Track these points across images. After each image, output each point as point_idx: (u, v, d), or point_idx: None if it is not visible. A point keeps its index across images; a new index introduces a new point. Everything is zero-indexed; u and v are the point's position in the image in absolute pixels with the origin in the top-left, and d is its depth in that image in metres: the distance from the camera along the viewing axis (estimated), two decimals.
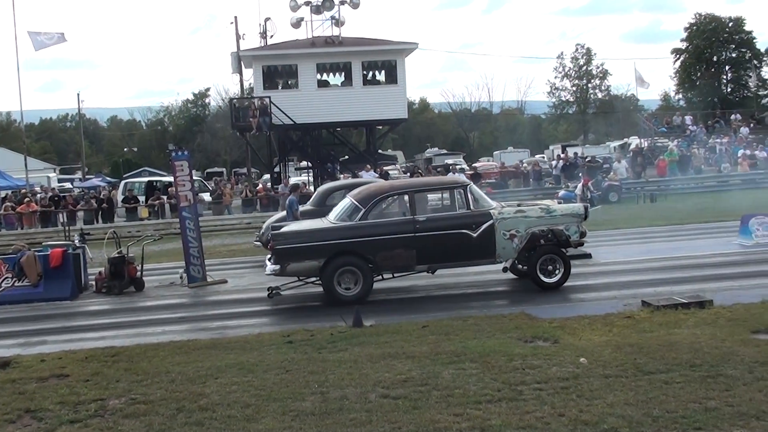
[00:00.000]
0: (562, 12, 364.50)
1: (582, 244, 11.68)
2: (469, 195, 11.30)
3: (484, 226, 11.08)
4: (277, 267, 11.09)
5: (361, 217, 11.18)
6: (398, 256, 11.05)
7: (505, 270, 12.08)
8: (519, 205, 11.83)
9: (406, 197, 11.36)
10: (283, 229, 11.76)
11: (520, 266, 11.90)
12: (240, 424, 5.84)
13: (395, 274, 11.67)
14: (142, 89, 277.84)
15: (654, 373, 6.53)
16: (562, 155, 35.48)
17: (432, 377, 6.70)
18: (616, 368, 6.69)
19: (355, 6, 32.14)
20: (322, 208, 14.09)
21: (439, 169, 36.16)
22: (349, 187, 13.99)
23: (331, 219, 11.65)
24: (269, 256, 11.74)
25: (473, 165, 43.75)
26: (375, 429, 5.58)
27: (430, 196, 12.19)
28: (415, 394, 6.26)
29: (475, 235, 11.06)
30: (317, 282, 11.44)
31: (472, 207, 11.23)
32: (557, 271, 11.22)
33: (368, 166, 28.89)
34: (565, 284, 11.23)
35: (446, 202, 11.86)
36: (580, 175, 28.20)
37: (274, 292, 11.67)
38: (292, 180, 33.53)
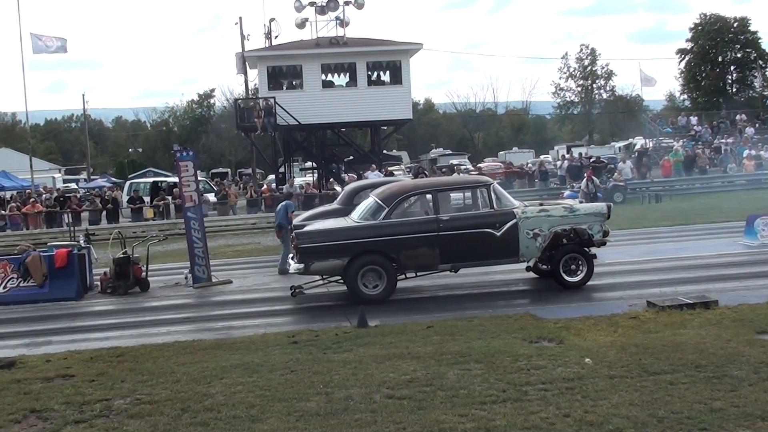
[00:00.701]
0: (567, 12, 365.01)
1: (605, 243, 11.63)
2: (492, 194, 11.30)
3: (507, 225, 11.06)
4: (301, 266, 11.07)
5: (384, 216, 11.17)
6: (422, 255, 11.05)
7: (528, 269, 11.99)
8: (542, 204, 11.81)
9: (429, 196, 11.37)
10: (307, 228, 11.74)
11: (542, 265, 11.84)
12: (245, 424, 5.84)
13: (418, 273, 11.67)
14: (146, 90, 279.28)
15: (659, 373, 6.51)
16: (567, 156, 35.44)
17: (437, 378, 6.70)
18: (621, 369, 6.68)
19: (360, 6, 32.12)
20: (348, 207, 14.02)
21: (443, 170, 36.16)
22: (377, 187, 13.89)
23: (355, 218, 11.65)
24: (292, 254, 11.73)
25: (478, 165, 43.72)
26: (380, 429, 5.57)
27: (454, 195, 12.19)
28: (419, 395, 6.26)
29: (498, 234, 11.04)
30: (340, 281, 11.44)
31: (495, 206, 11.22)
32: (580, 270, 11.22)
33: (373, 166, 28.90)
34: None
35: (469, 201, 11.86)
36: (585, 174, 28.16)
37: (297, 290, 11.63)
38: (297, 180, 33.67)
